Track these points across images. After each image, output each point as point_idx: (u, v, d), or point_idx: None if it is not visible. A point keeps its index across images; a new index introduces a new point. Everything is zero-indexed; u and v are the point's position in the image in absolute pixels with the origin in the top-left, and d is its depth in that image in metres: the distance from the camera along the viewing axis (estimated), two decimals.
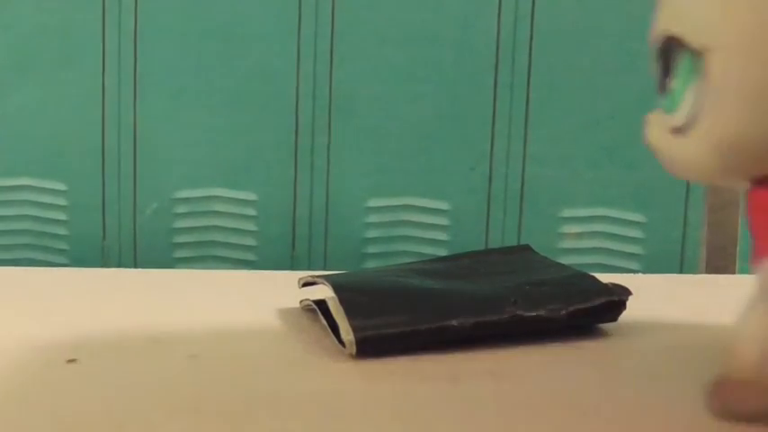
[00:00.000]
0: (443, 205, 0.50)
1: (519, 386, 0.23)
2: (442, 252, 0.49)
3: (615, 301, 0.28)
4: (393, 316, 0.26)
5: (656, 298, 0.34)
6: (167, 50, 0.48)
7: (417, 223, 0.50)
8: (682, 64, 0.21)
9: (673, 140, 0.22)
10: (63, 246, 0.49)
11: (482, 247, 0.48)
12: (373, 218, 0.50)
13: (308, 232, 0.50)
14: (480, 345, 0.26)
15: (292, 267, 0.50)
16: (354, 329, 0.25)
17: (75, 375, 0.23)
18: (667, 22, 0.21)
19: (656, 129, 0.23)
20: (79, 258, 0.49)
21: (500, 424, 0.20)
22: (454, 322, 0.26)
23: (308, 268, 0.50)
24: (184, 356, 0.25)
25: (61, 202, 0.49)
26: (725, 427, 0.21)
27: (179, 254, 0.49)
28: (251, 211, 0.50)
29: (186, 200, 0.49)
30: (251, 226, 0.50)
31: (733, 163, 0.21)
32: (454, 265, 0.32)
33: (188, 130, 0.49)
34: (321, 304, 0.28)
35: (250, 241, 0.50)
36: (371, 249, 0.50)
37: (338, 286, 0.27)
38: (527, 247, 0.34)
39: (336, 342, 0.26)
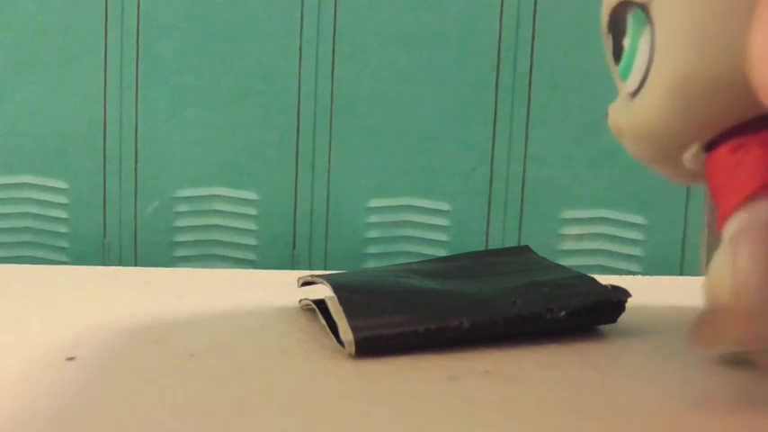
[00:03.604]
0: (444, 206, 0.50)
1: (518, 387, 0.23)
2: (443, 252, 0.50)
3: (614, 302, 0.28)
4: (392, 316, 0.26)
5: (655, 299, 0.34)
6: (169, 49, 0.48)
7: (418, 223, 0.50)
8: (631, 23, 0.22)
9: (633, 104, 0.22)
10: (64, 243, 0.49)
11: (482, 248, 0.48)
12: (374, 218, 0.50)
13: (309, 232, 0.50)
14: (479, 345, 0.26)
15: (293, 267, 0.50)
16: (354, 329, 0.25)
17: (74, 373, 0.23)
18: None
19: (616, 110, 0.24)
20: (80, 256, 0.49)
21: (499, 424, 0.20)
22: (453, 322, 0.26)
23: (309, 268, 0.50)
24: (184, 355, 0.25)
25: (62, 200, 0.49)
26: (724, 427, 0.21)
27: (179, 252, 0.50)
28: (252, 211, 0.50)
29: (187, 198, 0.49)
30: (252, 225, 0.50)
31: (686, 108, 0.21)
32: (454, 266, 0.32)
33: (189, 129, 0.49)
34: (320, 304, 0.28)
35: (251, 240, 0.50)
36: (372, 249, 0.50)
37: (337, 286, 0.27)
38: (526, 248, 0.34)
39: (335, 342, 0.26)
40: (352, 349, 0.25)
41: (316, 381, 0.23)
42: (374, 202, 0.50)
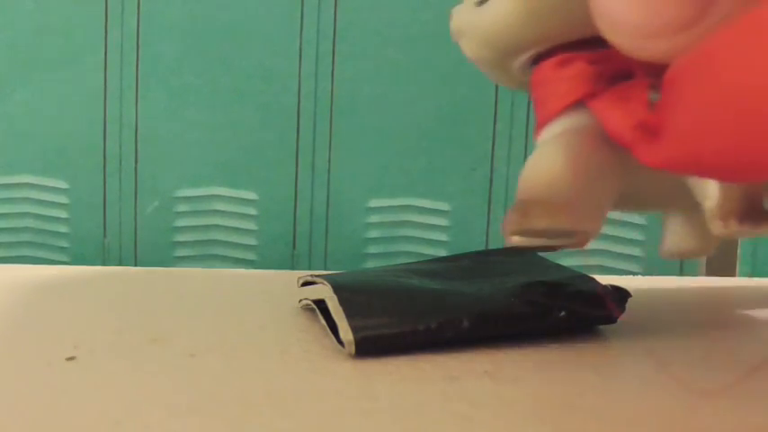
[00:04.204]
0: (444, 206, 0.50)
1: (517, 387, 0.23)
2: (443, 252, 0.50)
3: (614, 302, 0.28)
4: (392, 316, 0.26)
5: (655, 299, 0.34)
6: (169, 49, 0.48)
7: (418, 223, 0.50)
8: None
9: (480, 11, 0.25)
10: (64, 243, 0.49)
11: (483, 249, 0.48)
12: (374, 218, 0.50)
13: (309, 232, 0.50)
14: (478, 345, 0.26)
15: (293, 267, 0.50)
16: (354, 329, 0.25)
17: (74, 373, 0.23)
18: None
19: (460, 15, 0.27)
20: (80, 256, 0.49)
21: (498, 424, 0.20)
22: (453, 321, 0.26)
23: (309, 268, 0.50)
24: (184, 355, 0.25)
25: (62, 199, 0.49)
26: (725, 427, 0.21)
27: (179, 252, 0.50)
28: (252, 211, 0.50)
29: (187, 198, 0.49)
30: (252, 225, 0.50)
31: (531, 16, 0.24)
32: (454, 266, 0.32)
33: (189, 129, 0.49)
34: (320, 304, 0.28)
35: (251, 240, 0.50)
36: (372, 249, 0.50)
37: (337, 286, 0.27)
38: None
39: (335, 342, 0.26)
40: (352, 349, 0.25)
41: (316, 381, 0.23)
42: (374, 202, 0.50)
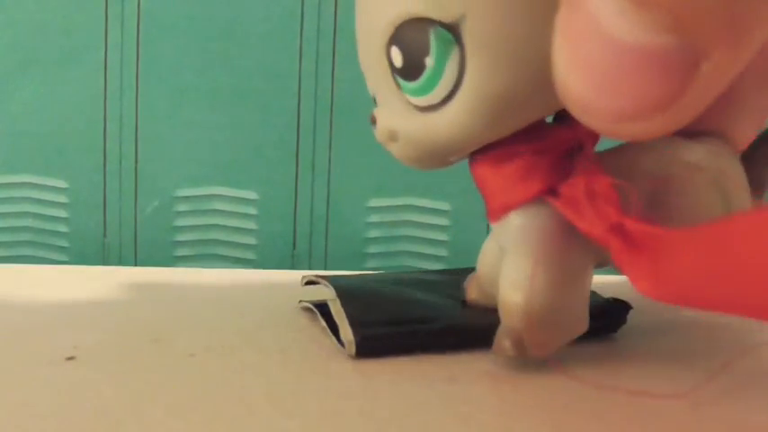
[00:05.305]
0: (444, 206, 0.50)
1: (517, 387, 0.23)
2: (443, 252, 0.49)
3: (615, 317, 0.28)
4: (393, 317, 0.26)
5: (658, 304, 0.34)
6: (169, 49, 0.48)
7: (418, 223, 0.50)
8: (434, 41, 0.21)
9: (426, 117, 0.23)
10: (63, 243, 0.49)
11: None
12: (374, 217, 0.50)
13: (309, 231, 0.50)
14: (479, 346, 0.26)
15: (293, 266, 0.50)
16: (354, 330, 0.25)
17: (73, 373, 0.23)
18: (406, 6, 0.22)
19: (391, 117, 0.24)
20: (80, 256, 0.49)
21: (498, 425, 0.20)
22: (456, 327, 0.26)
23: (309, 267, 0.50)
24: (184, 355, 0.25)
25: (62, 199, 0.49)
26: (725, 427, 0.21)
27: (179, 252, 0.50)
28: (252, 210, 0.50)
29: (187, 198, 0.49)
30: (252, 225, 0.50)
31: (489, 123, 0.22)
32: (457, 279, 0.31)
33: (189, 129, 0.49)
34: (320, 306, 0.28)
35: (251, 240, 0.50)
36: (372, 249, 0.50)
37: (340, 288, 0.27)
38: None
39: (336, 342, 0.26)
40: (353, 350, 0.25)
41: (315, 381, 0.23)
42: (374, 202, 0.50)
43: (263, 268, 0.48)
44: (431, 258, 0.50)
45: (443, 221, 0.50)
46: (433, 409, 0.21)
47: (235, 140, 0.49)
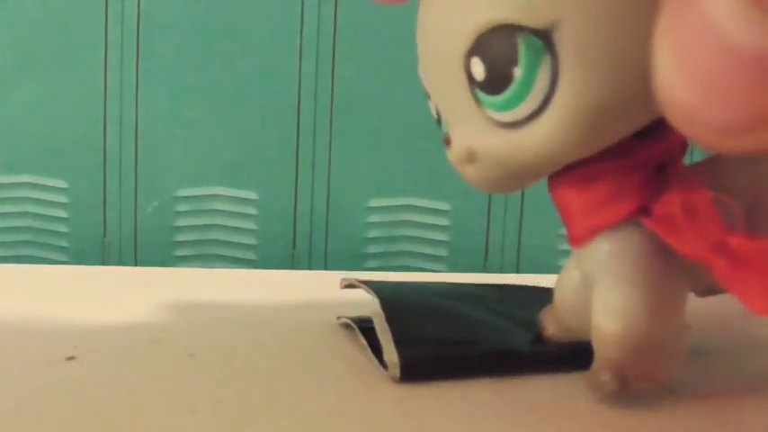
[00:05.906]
0: (444, 206, 0.49)
1: (517, 387, 0.23)
2: (443, 252, 0.49)
3: None
4: (443, 338, 0.25)
5: None
6: (169, 49, 0.48)
7: (418, 223, 0.50)
8: (523, 50, 0.19)
9: (511, 134, 0.21)
10: (64, 243, 0.49)
11: (482, 248, 0.48)
12: (374, 217, 0.50)
13: (309, 231, 0.50)
14: (538, 371, 0.25)
15: (293, 266, 0.50)
16: (400, 351, 0.24)
17: (73, 372, 0.23)
18: (490, 12, 0.20)
19: (470, 136, 0.22)
20: (80, 256, 0.49)
21: (499, 425, 0.20)
22: (510, 348, 0.25)
23: (309, 267, 0.50)
24: (184, 355, 0.25)
25: (62, 199, 0.49)
26: (726, 427, 0.21)
27: (179, 252, 0.49)
28: (252, 210, 0.50)
29: (187, 198, 0.49)
30: (252, 225, 0.50)
31: (585, 137, 0.20)
32: (510, 297, 0.30)
33: (189, 129, 0.49)
34: (360, 322, 0.27)
35: (251, 240, 0.50)
36: (372, 249, 0.50)
37: (384, 300, 0.26)
38: None
39: (377, 363, 0.25)
40: (397, 372, 0.24)
41: (316, 381, 0.23)
42: (374, 202, 0.50)
43: (263, 268, 0.48)
44: (431, 258, 0.50)
45: (443, 221, 0.50)
46: (431, 408, 0.21)
47: (235, 141, 0.49)
